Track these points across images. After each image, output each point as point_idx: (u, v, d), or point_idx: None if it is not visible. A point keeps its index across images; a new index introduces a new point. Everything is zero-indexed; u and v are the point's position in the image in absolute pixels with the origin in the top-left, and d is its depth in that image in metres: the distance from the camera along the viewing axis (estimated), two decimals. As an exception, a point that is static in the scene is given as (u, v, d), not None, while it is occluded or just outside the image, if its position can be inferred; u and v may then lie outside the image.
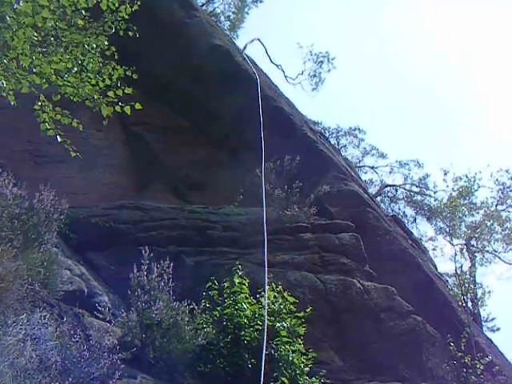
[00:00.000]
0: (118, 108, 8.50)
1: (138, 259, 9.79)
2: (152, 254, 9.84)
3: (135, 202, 16.23)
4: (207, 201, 17.57)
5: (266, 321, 9.88)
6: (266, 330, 9.67)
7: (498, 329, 32.95)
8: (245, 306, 10.43)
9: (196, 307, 10.47)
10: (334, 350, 14.32)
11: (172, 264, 10.02)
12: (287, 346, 10.42)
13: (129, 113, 8.47)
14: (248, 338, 10.09)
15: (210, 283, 10.95)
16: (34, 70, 7.92)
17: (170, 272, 9.92)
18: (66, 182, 15.05)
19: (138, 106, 8.44)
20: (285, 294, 11.11)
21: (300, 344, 10.76)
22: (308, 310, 11.33)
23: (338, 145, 37.00)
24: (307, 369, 10.67)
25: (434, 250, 32.43)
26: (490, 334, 28.79)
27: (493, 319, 33.01)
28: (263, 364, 8.76)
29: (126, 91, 8.54)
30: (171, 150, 19.28)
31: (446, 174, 31.40)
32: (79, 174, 16.73)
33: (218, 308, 10.60)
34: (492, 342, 25.32)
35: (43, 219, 9.90)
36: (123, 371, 8.30)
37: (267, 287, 10.66)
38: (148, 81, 15.34)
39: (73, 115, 8.49)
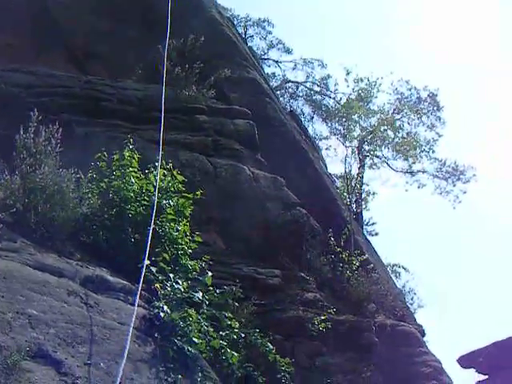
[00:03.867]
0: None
1: (26, 124, 9.44)
2: (42, 121, 9.51)
3: (30, 67, 15.49)
4: (105, 73, 17.03)
5: (153, 197, 9.90)
6: (155, 205, 9.70)
7: (376, 233, 34.50)
8: (133, 181, 10.31)
9: (83, 177, 10.30)
10: (219, 233, 14.62)
11: (62, 131, 9.73)
12: (172, 224, 10.48)
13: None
14: (133, 212, 10.06)
15: (100, 154, 10.72)
16: None
17: (59, 138, 9.62)
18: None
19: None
20: (174, 173, 11.06)
21: (185, 225, 10.83)
22: (197, 191, 11.36)
23: (245, 34, 36.36)
24: (190, 251, 10.82)
25: (326, 149, 33.25)
26: (369, 238, 30.16)
27: (373, 224, 34.49)
28: (149, 238, 8.83)
29: None
30: (72, 16, 18.32)
31: (348, 73, 31.84)
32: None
33: (106, 180, 10.44)
34: (370, 243, 26.64)
35: None
36: (3, 233, 8.18)
37: (157, 164, 10.61)
38: None
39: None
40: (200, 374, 8.72)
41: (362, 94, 30.82)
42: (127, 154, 10.67)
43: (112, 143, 11.95)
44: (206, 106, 16.19)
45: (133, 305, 7.87)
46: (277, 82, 37.33)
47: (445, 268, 68.07)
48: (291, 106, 36.10)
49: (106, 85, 15.67)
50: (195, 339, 8.81)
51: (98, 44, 18.30)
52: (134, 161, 10.67)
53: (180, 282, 9.55)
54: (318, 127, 36.66)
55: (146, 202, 10.19)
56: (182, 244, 10.58)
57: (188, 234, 10.84)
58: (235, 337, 10.98)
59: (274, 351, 12.47)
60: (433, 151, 33.60)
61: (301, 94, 38.13)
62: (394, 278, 26.98)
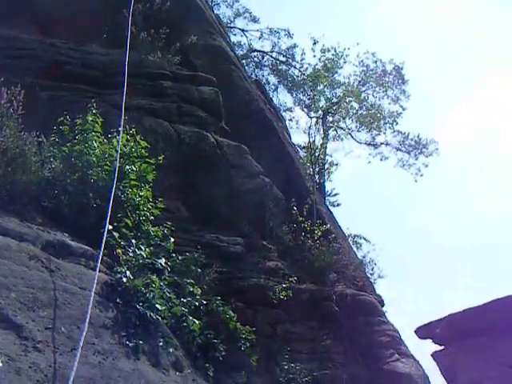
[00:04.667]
0: None
1: (-12, 86, 9.25)
2: (5, 83, 9.31)
3: (-7, 30, 15.08)
4: (70, 37, 16.66)
5: (116, 162, 9.81)
6: (117, 170, 9.62)
7: (338, 204, 34.76)
8: (95, 145, 10.19)
9: (45, 140, 10.14)
10: (181, 200, 14.57)
11: (25, 94, 9.55)
12: (134, 190, 10.42)
13: None
14: (95, 177, 9.94)
15: (63, 118, 10.54)
16: None
17: (21, 100, 9.44)
18: None
19: None
20: (137, 138, 10.95)
21: (148, 190, 10.78)
22: (160, 157, 11.28)
23: (211, 2, 35.95)
24: (152, 217, 10.78)
25: (290, 120, 33.35)
26: (331, 208, 30.38)
27: (335, 194, 34.71)
28: (111, 204, 8.77)
29: None
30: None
31: (315, 43, 31.79)
32: None
33: (68, 144, 10.28)
34: (332, 214, 26.85)
35: None
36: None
37: (120, 129, 10.49)
38: None
39: None
40: (161, 340, 8.76)
41: (329, 65, 30.85)
42: (90, 118, 10.53)
43: (75, 107, 11.72)
44: (170, 72, 15.99)
45: (94, 270, 7.83)
46: (242, 51, 37.07)
47: (406, 240, 69.07)
48: (256, 76, 35.93)
49: (71, 49, 15.34)
50: (157, 305, 8.83)
51: (63, 7, 17.86)
52: (96, 125, 10.53)
53: (142, 247, 9.55)
54: (282, 97, 36.70)
55: (108, 167, 10.07)
56: (144, 210, 10.56)
57: (151, 200, 10.82)
58: (197, 304, 11.03)
59: (235, 319, 12.58)
60: (396, 123, 33.94)
61: (266, 64, 37.99)
62: (354, 249, 27.24)
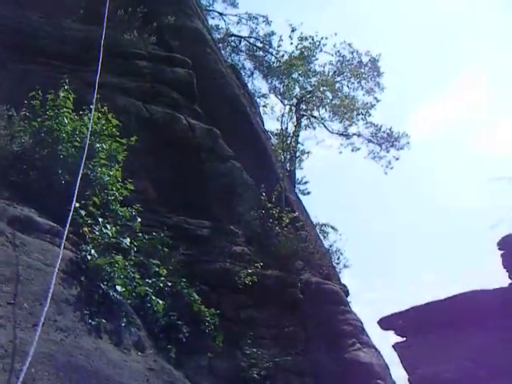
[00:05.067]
0: None
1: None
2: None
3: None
4: (45, 12, 16.42)
5: (86, 140, 9.74)
6: (87, 148, 9.55)
7: (308, 192, 34.96)
8: (66, 121, 10.11)
9: (16, 114, 10.04)
10: (151, 181, 14.49)
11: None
12: (104, 169, 10.36)
13: None
14: (65, 154, 9.87)
15: (34, 93, 10.42)
16: None
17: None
18: None
19: None
20: (109, 117, 10.87)
21: (117, 170, 10.72)
22: (132, 138, 11.23)
23: (191, -17, 35.59)
24: (121, 197, 10.74)
25: (264, 107, 33.19)
26: (300, 196, 30.48)
27: (306, 183, 34.88)
28: (79, 181, 8.72)
29: None
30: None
31: (293, 30, 31.73)
32: None
33: (39, 119, 10.18)
34: (301, 202, 26.94)
35: None
36: None
37: (92, 106, 10.41)
38: None
39: None
40: (124, 320, 8.78)
41: (305, 53, 30.82)
42: (62, 94, 10.43)
43: (48, 83, 11.55)
44: (146, 51, 15.88)
45: (59, 247, 7.79)
46: (220, 35, 36.78)
47: (374, 231, 69.56)
48: (232, 60, 35.73)
49: (46, 23, 15.14)
50: (121, 285, 8.83)
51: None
52: (68, 101, 10.43)
53: (109, 227, 9.53)
54: (257, 84, 36.53)
55: (78, 144, 10.01)
56: (113, 189, 10.51)
57: (120, 179, 10.75)
58: (161, 285, 11.06)
59: (199, 301, 12.62)
60: (369, 115, 34.07)
61: (243, 49, 37.74)
62: (322, 238, 27.38)
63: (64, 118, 10.12)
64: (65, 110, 10.28)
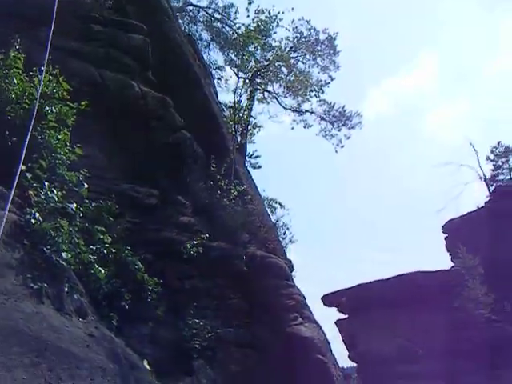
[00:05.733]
0: None
1: None
2: None
3: None
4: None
5: (35, 102, 9.57)
6: (36, 110, 9.39)
7: (259, 166, 35.24)
8: (15, 82, 9.90)
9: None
10: (100, 147, 14.32)
11: None
12: (52, 132, 10.18)
13: None
14: (13, 115, 9.69)
15: (-16, 51, 10.17)
16: None
17: None
18: None
19: None
20: (60, 80, 10.68)
21: (66, 134, 10.55)
22: (83, 103, 11.06)
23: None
24: (69, 161, 10.59)
25: (219, 79, 33.09)
26: (251, 170, 30.60)
27: (257, 157, 35.11)
28: (26, 143, 8.58)
29: None
30: None
31: (250, 3, 31.53)
32: None
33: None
34: (250, 175, 27.04)
35: None
36: None
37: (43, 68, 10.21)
38: None
39: None
40: (67, 285, 8.72)
41: (262, 27, 30.69)
42: (12, 54, 10.20)
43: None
44: (101, 16, 15.58)
45: (4, 210, 7.68)
46: (178, 4, 36.26)
47: (323, 209, 70.39)
48: (190, 31, 35.33)
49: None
50: (64, 250, 8.76)
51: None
52: (19, 62, 10.21)
53: (55, 191, 9.40)
54: (214, 55, 36.28)
55: (27, 106, 9.81)
56: (60, 153, 10.32)
57: (68, 144, 10.58)
58: (106, 252, 11.02)
59: (143, 270, 12.62)
60: (322, 92, 34.28)
61: (201, 20, 37.33)
62: (269, 212, 27.58)
63: (13, 79, 9.91)
64: (15, 70, 10.07)
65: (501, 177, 52.66)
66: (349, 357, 40.13)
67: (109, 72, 14.68)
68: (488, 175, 50.75)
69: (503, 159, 53.20)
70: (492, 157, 53.50)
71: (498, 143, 53.62)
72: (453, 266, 39.25)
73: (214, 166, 18.18)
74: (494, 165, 53.28)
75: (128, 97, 14.88)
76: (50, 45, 10.85)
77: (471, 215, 42.62)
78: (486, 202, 44.56)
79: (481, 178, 48.83)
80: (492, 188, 47.61)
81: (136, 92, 15.13)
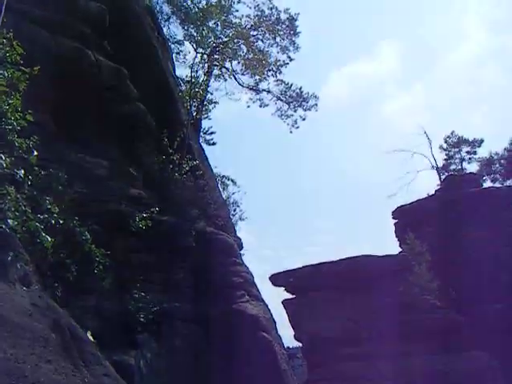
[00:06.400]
0: None
1: None
2: None
3: None
4: None
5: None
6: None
7: (214, 143, 35.15)
8: (-34, 44, 9.67)
9: None
10: (52, 115, 14.07)
11: None
12: (3, 97, 9.98)
13: None
14: (-38, 78, 9.48)
15: None
16: None
17: None
18: None
19: None
20: (14, 44, 10.44)
21: (18, 100, 10.34)
22: (35, 68, 10.83)
23: None
24: (19, 128, 10.39)
25: (178, 54, 32.74)
26: (205, 146, 30.49)
27: (212, 133, 34.99)
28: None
29: None
30: None
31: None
32: None
33: None
34: (203, 151, 26.95)
35: None
36: None
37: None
38: None
39: None
40: (11, 253, 8.60)
41: (223, 2, 30.44)
42: (-36, 16, 9.93)
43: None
44: (58, -19, 15.25)
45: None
46: (139, -25, 35.68)
47: (278, 188, 70.74)
48: (150, 2, 34.85)
49: None
50: (11, 218, 8.63)
51: None
52: (-30, 24, 9.95)
53: (3, 157, 9.21)
54: (173, 29, 35.85)
55: (-23, 69, 9.60)
56: (11, 119, 10.13)
57: (19, 110, 10.37)
58: (53, 221, 10.87)
59: (90, 241, 12.50)
60: (280, 72, 34.30)
61: (161, -9, 36.82)
62: (221, 189, 27.59)
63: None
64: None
65: (453, 166, 53.72)
66: (294, 337, 40.57)
67: (64, 39, 14.41)
68: (440, 164, 51.74)
69: (456, 149, 54.14)
70: (445, 146, 54.41)
71: (452, 133, 54.59)
72: (400, 252, 39.98)
73: (167, 139, 18.04)
74: (446, 154, 54.22)
75: (82, 65, 14.66)
76: (5, 8, 10.61)
77: (421, 202, 43.45)
78: (436, 191, 45.47)
79: (433, 166, 49.79)
80: (443, 177, 48.52)
81: (91, 61, 14.91)
